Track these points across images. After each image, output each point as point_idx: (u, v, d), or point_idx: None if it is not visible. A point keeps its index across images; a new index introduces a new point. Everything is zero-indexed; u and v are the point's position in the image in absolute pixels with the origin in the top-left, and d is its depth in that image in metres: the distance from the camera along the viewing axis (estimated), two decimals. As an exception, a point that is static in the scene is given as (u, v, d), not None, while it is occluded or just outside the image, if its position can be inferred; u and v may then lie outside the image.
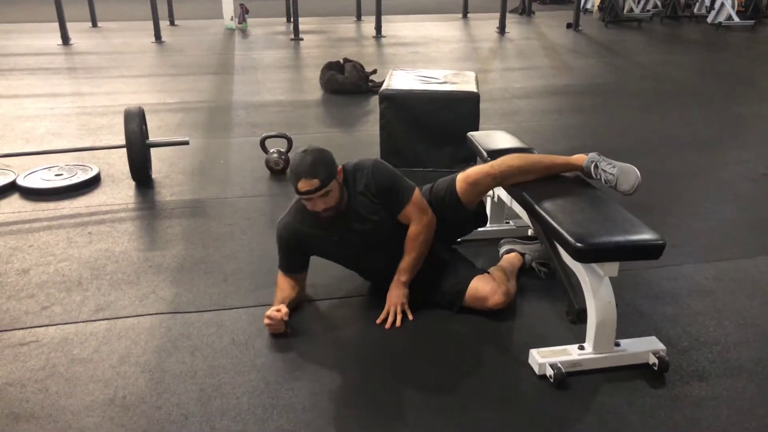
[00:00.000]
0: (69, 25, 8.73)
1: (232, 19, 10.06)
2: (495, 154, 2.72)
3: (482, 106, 3.99)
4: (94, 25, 10.13)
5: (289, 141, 4.06)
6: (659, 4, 11.78)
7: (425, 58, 7.89)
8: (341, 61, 6.26)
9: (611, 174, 2.44)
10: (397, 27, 10.27)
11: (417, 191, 2.46)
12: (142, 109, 3.75)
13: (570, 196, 2.38)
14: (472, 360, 2.25)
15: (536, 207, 2.34)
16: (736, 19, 10.48)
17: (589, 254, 2.07)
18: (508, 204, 2.78)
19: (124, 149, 3.66)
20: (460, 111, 3.89)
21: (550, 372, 2.09)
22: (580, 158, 2.55)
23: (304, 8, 9.60)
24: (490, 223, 3.06)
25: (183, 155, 4.25)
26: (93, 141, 4.57)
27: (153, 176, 3.90)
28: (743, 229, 3.28)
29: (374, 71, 6.25)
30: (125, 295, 2.62)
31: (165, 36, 9.11)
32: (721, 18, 10.52)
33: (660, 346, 2.19)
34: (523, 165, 2.50)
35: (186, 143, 3.95)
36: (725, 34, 10.02)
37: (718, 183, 3.89)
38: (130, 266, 2.86)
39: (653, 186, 3.62)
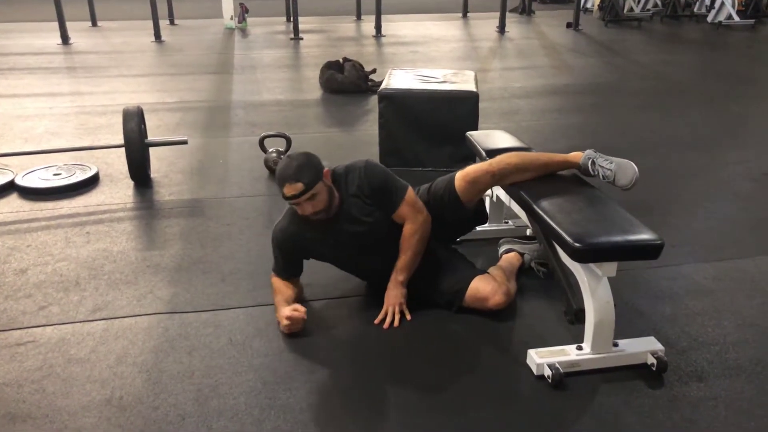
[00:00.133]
0: (69, 25, 8.72)
1: (231, 18, 10.06)
2: (494, 153, 2.71)
3: (482, 105, 3.98)
4: (94, 24, 10.12)
5: (288, 140, 4.05)
6: (659, 3, 11.77)
7: (425, 57, 7.88)
8: (341, 60, 6.25)
9: (609, 170, 2.43)
10: (397, 26, 10.26)
11: (411, 190, 2.45)
12: (141, 109, 3.75)
13: (568, 196, 2.38)
14: (470, 360, 2.24)
15: (534, 207, 2.33)
16: (737, 18, 10.47)
17: (587, 254, 2.07)
18: (507, 204, 2.77)
19: (123, 149, 3.66)
20: (459, 110, 3.89)
21: (548, 372, 2.08)
22: (577, 155, 2.55)
23: (303, 7, 9.59)
24: (489, 223, 3.05)
25: (182, 155, 4.25)
26: (92, 140, 4.57)
27: (152, 176, 3.89)
28: (743, 228, 3.27)
29: (374, 70, 6.25)
30: (123, 295, 2.61)
31: (165, 35, 9.10)
32: (722, 17, 10.51)
33: (658, 346, 2.18)
34: (521, 163, 2.50)
35: (184, 143, 3.94)
36: (725, 34, 10.01)
37: (718, 182, 3.89)
38: (128, 266, 2.85)
39: (653, 185, 3.62)
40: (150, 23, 8.97)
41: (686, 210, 3.49)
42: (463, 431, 1.91)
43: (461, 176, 2.49)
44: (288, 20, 10.41)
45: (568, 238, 2.08)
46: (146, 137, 3.81)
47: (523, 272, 2.73)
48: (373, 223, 2.40)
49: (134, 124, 3.60)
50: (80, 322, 2.43)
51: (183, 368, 2.17)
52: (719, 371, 2.16)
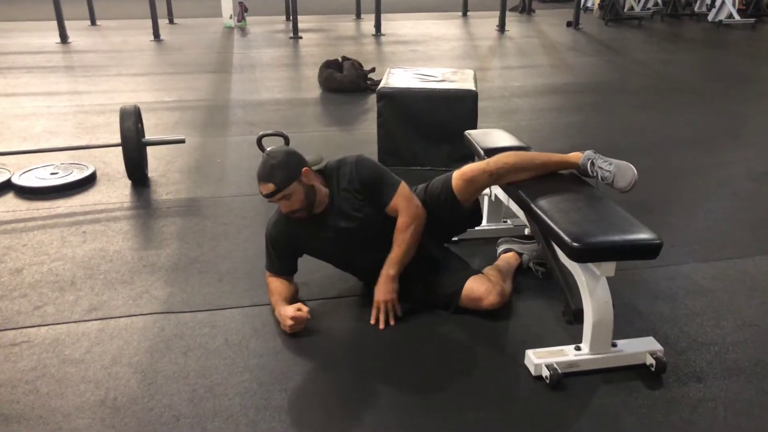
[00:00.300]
0: (68, 24, 8.71)
1: (231, 17, 10.04)
2: (492, 152, 2.69)
3: (481, 104, 3.97)
4: (93, 23, 10.10)
5: (286, 139, 4.03)
6: (660, 2, 11.75)
7: (424, 56, 7.87)
8: (340, 59, 6.24)
9: (608, 171, 2.41)
10: (397, 25, 10.24)
11: (404, 184, 2.43)
12: (138, 108, 3.73)
13: (567, 195, 2.36)
14: (468, 360, 2.22)
15: (532, 206, 2.32)
16: (737, 17, 10.45)
17: (586, 254, 2.05)
18: (506, 203, 2.76)
19: (120, 148, 3.64)
20: (457, 109, 3.87)
21: (546, 373, 2.07)
22: (576, 156, 2.53)
23: (303, 6, 9.58)
24: (487, 222, 3.04)
25: (180, 154, 4.23)
26: (90, 139, 4.55)
27: (149, 175, 3.88)
28: (742, 228, 3.25)
29: (373, 69, 6.23)
30: (119, 295, 2.60)
31: (164, 34, 9.08)
32: (722, 16, 10.49)
33: (657, 346, 2.16)
34: (518, 162, 2.48)
35: (182, 142, 3.93)
36: (726, 33, 9.99)
37: (718, 182, 3.87)
38: (124, 266, 2.84)
39: (652, 185, 3.60)
40: (149, 22, 8.96)
41: (685, 209, 3.48)
42: (460, 432, 1.89)
43: (458, 175, 2.47)
44: (287, 19, 10.39)
45: (566, 238, 2.06)
46: (143, 136, 3.79)
47: (521, 272, 2.72)
48: (363, 218, 2.39)
49: (131, 123, 3.59)
50: (75, 322, 2.41)
51: (178, 369, 2.15)
52: (718, 372, 2.14)
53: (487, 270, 2.55)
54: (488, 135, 3.05)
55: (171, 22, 10.42)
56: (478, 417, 1.95)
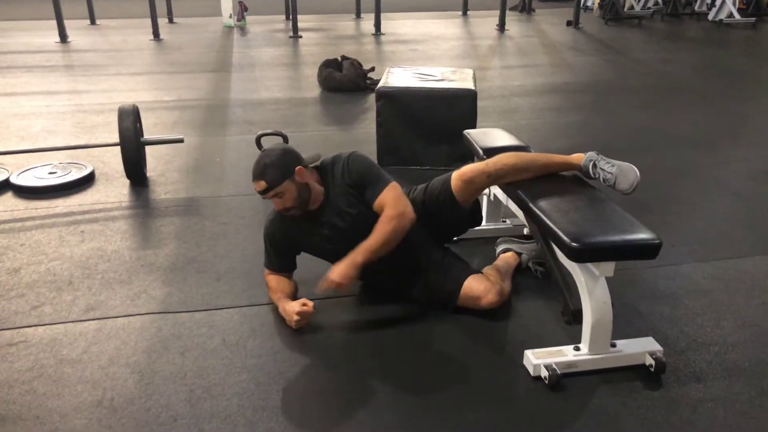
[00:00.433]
0: (67, 23, 8.69)
1: (230, 16, 10.02)
2: (491, 152, 2.68)
3: (481, 103, 3.96)
4: (93, 22, 10.09)
5: (285, 139, 4.01)
6: (660, 1, 11.73)
7: (424, 55, 7.85)
8: (339, 58, 6.23)
9: (610, 173, 2.40)
10: (397, 24, 10.23)
11: (395, 184, 2.39)
12: (137, 107, 3.72)
13: (566, 195, 2.35)
14: (467, 360, 2.21)
15: (531, 206, 2.31)
16: (737, 16, 10.43)
17: (585, 254, 2.04)
18: (504, 203, 2.75)
19: (119, 147, 3.63)
20: (457, 108, 3.86)
21: (545, 373, 2.06)
22: (578, 157, 2.51)
23: (303, 6, 9.56)
24: (486, 222, 3.03)
25: (179, 153, 4.23)
26: (88, 139, 4.54)
27: (148, 174, 3.87)
28: (742, 227, 3.24)
29: (372, 69, 6.22)
30: (116, 295, 2.59)
31: (163, 34, 9.07)
32: (722, 15, 10.48)
33: (657, 347, 2.16)
34: (519, 163, 2.46)
35: (181, 141, 3.92)
36: (726, 32, 9.98)
37: (718, 181, 3.86)
38: (122, 265, 2.83)
39: (652, 184, 3.59)
40: (149, 21, 8.94)
41: (685, 209, 3.47)
42: (458, 433, 1.88)
43: (457, 176, 2.46)
44: (287, 18, 10.38)
45: (565, 238, 2.05)
46: (142, 136, 3.78)
47: (520, 272, 2.71)
48: (357, 215, 2.37)
49: (130, 122, 3.58)
50: (73, 322, 2.40)
51: (176, 369, 2.14)
52: (718, 372, 2.13)
53: (486, 269, 2.54)
54: (487, 134, 3.04)
55: (171, 21, 10.41)
56: (477, 417, 1.94)
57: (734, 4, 10.47)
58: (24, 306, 2.51)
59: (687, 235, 3.13)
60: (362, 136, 4.66)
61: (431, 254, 2.52)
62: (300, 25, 9.22)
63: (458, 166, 2.52)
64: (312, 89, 6.12)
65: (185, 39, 9.04)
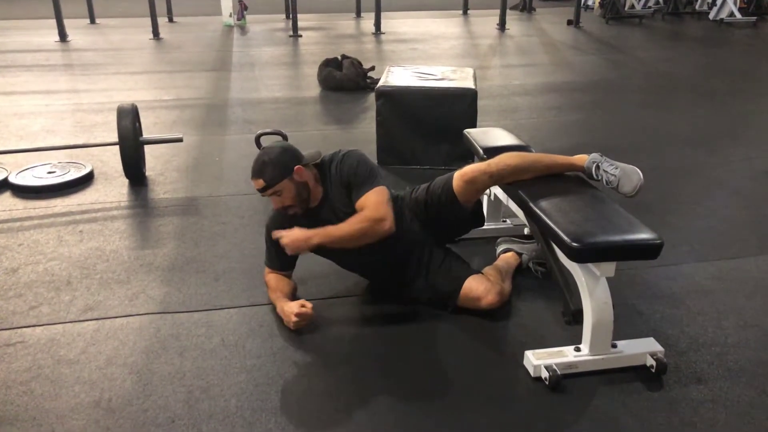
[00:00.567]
0: (67, 22, 8.67)
1: (230, 15, 10.01)
2: (491, 151, 2.67)
3: (481, 103, 3.94)
4: (92, 21, 10.07)
5: (285, 138, 4.00)
6: (660, 0, 11.71)
7: (424, 54, 7.84)
8: (339, 57, 6.21)
9: (613, 175, 2.38)
10: (397, 24, 10.21)
11: (383, 189, 2.32)
12: (136, 106, 3.71)
13: (566, 195, 2.34)
14: (467, 361, 2.20)
15: (532, 206, 2.29)
16: (738, 15, 10.41)
17: (585, 254, 2.03)
18: (505, 203, 2.73)
19: (118, 146, 3.62)
20: (457, 107, 3.84)
21: (545, 374, 2.05)
22: (581, 158, 2.49)
23: (303, 5, 9.55)
24: (487, 222, 3.01)
25: (178, 152, 4.21)
26: (88, 138, 4.53)
27: (147, 174, 3.86)
28: (744, 227, 3.23)
29: (372, 68, 6.20)
30: (115, 295, 2.58)
31: (163, 33, 9.05)
32: (723, 14, 10.46)
33: (658, 347, 2.14)
34: (521, 164, 2.45)
35: (180, 140, 3.91)
36: (727, 31, 9.96)
37: (719, 181, 3.85)
38: (120, 265, 2.82)
39: (653, 184, 3.56)
40: (148, 21, 8.92)
41: (686, 209, 3.45)
42: (458, 434, 1.87)
43: (459, 176, 2.44)
44: (287, 17, 10.36)
45: (565, 238, 2.04)
46: (141, 135, 3.77)
47: (520, 272, 2.70)
48: (352, 213, 2.35)
49: (128, 121, 3.56)
50: (71, 322, 2.39)
51: (174, 369, 2.13)
52: (719, 373, 2.12)
53: (487, 270, 2.53)
54: (487, 134, 3.03)
55: (170, 20, 10.39)
56: (477, 418, 1.93)
57: (735, 3, 10.46)
58: (22, 306, 2.50)
59: (688, 234, 3.12)
60: (362, 135, 4.65)
61: (432, 254, 2.50)
62: (300, 24, 9.20)
63: (458, 166, 2.51)
64: (312, 88, 6.11)
65: (185, 38, 9.02)
